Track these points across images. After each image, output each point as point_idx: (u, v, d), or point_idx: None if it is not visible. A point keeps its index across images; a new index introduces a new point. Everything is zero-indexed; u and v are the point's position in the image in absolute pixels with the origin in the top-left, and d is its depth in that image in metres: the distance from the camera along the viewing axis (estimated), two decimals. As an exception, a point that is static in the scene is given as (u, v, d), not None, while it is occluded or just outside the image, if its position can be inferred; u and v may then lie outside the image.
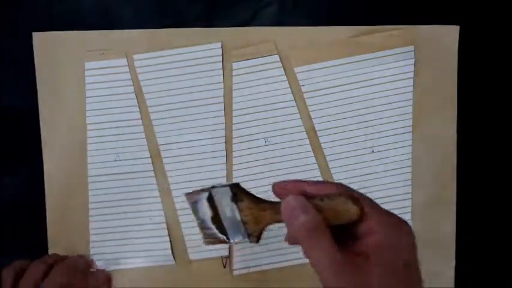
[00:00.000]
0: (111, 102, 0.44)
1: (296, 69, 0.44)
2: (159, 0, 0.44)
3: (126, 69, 0.43)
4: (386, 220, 0.27)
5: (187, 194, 0.33)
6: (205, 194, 0.32)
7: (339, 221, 0.27)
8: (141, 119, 0.44)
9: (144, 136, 0.44)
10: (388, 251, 0.27)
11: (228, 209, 0.31)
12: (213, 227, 0.32)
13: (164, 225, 0.45)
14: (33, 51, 0.43)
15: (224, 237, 0.32)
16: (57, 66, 0.43)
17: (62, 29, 0.43)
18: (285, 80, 0.44)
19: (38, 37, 0.43)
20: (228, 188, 0.31)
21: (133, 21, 0.44)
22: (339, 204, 0.27)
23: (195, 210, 0.33)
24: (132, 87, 0.44)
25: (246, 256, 0.45)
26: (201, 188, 0.32)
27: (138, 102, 0.44)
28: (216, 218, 0.32)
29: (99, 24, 0.43)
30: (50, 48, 0.43)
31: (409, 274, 0.28)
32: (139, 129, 0.44)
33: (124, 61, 0.43)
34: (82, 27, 0.43)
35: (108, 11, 0.44)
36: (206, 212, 0.32)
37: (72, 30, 0.43)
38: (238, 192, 0.31)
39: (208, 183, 0.44)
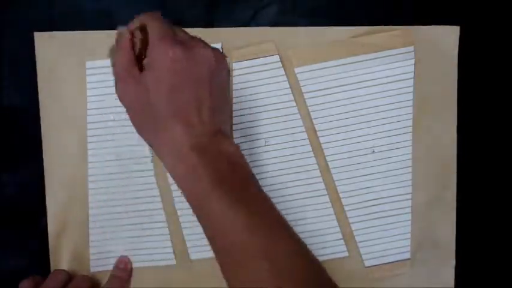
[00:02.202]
0: (112, 101, 0.44)
1: (296, 69, 0.44)
2: (159, 0, 0.44)
3: None
4: (160, 45, 0.30)
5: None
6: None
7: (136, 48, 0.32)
8: None
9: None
10: (157, 69, 0.30)
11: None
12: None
13: (165, 225, 0.45)
14: (33, 51, 0.43)
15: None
16: (57, 66, 0.43)
17: (62, 29, 0.43)
18: (285, 80, 0.44)
19: (38, 37, 0.43)
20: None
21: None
22: (137, 34, 0.33)
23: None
24: None
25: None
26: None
27: None
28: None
29: (100, 24, 0.43)
30: (50, 48, 0.43)
31: (185, 90, 0.30)
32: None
33: None
34: (82, 27, 0.43)
35: (109, 11, 0.44)
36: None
37: (73, 30, 0.43)
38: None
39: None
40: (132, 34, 0.33)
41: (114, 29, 0.43)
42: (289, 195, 0.44)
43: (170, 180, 0.44)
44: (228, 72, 0.34)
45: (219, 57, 0.32)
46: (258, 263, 0.28)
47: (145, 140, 0.32)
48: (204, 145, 0.30)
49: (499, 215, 0.46)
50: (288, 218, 0.44)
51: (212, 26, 0.44)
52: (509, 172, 0.46)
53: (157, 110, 0.30)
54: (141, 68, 0.31)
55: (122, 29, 0.34)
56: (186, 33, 0.33)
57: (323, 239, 0.44)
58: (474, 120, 0.45)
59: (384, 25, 0.44)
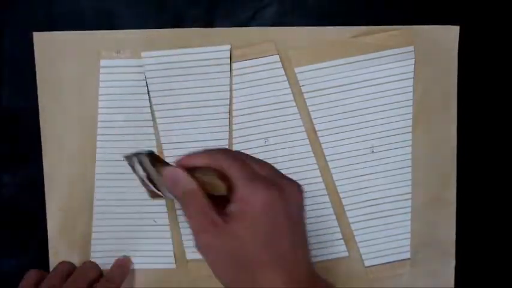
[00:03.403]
0: (123, 102, 0.44)
1: (296, 69, 0.44)
2: (159, 0, 0.44)
3: (141, 69, 0.43)
4: (250, 188, 0.28)
5: (125, 157, 0.35)
6: (135, 159, 0.34)
7: (214, 192, 0.30)
8: (152, 120, 0.44)
9: (154, 138, 0.44)
10: (250, 215, 0.28)
11: (152, 171, 0.33)
12: (150, 184, 0.34)
13: (168, 228, 0.44)
14: (33, 51, 0.43)
15: (160, 192, 0.34)
16: (57, 66, 0.43)
17: (62, 29, 0.43)
18: (285, 80, 0.44)
19: (38, 37, 0.43)
20: (144, 154, 0.33)
21: (133, 21, 0.44)
22: (209, 178, 0.30)
23: (134, 171, 0.35)
24: (145, 87, 0.44)
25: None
26: (131, 153, 0.34)
27: (150, 103, 0.44)
28: (150, 177, 0.34)
29: (99, 24, 0.43)
30: (50, 48, 0.43)
31: (283, 234, 0.28)
32: (150, 131, 0.44)
33: (139, 61, 0.43)
34: (82, 27, 0.43)
35: (108, 11, 0.44)
36: (141, 172, 0.34)
37: (73, 30, 0.43)
38: (153, 158, 0.33)
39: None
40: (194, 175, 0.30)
41: (114, 29, 0.43)
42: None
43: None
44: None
45: (302, 191, 0.30)
46: None
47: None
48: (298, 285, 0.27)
49: (499, 215, 0.46)
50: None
51: (212, 26, 0.44)
52: (509, 172, 0.46)
53: (251, 261, 0.27)
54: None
55: (178, 171, 0.30)
56: (264, 164, 0.31)
57: (323, 239, 0.44)
58: (474, 120, 0.45)
59: (384, 25, 0.44)
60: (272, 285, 0.27)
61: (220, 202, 0.30)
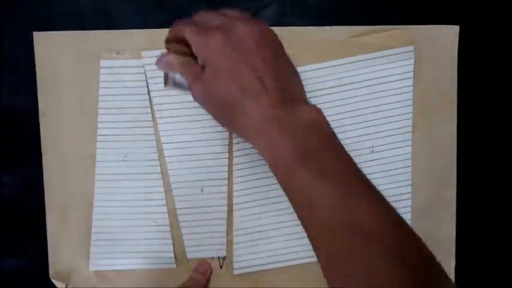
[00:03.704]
0: (123, 102, 0.44)
1: (296, 69, 0.44)
2: (159, 0, 0.44)
3: (141, 69, 0.43)
4: (201, 41, 0.31)
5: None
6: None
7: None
8: (152, 120, 0.44)
9: (154, 138, 0.44)
10: (211, 62, 0.31)
11: None
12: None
13: (168, 228, 0.45)
14: (33, 51, 0.43)
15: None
16: (57, 66, 0.43)
17: (62, 29, 0.43)
18: (285, 80, 0.44)
19: (38, 37, 0.43)
20: None
21: (133, 21, 0.44)
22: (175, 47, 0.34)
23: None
24: (146, 88, 0.44)
25: (246, 256, 0.45)
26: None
27: (150, 103, 0.44)
28: None
29: (99, 24, 0.43)
30: (50, 48, 0.43)
31: (242, 67, 0.31)
32: (150, 131, 0.44)
33: (139, 61, 0.43)
34: (82, 27, 0.43)
35: (108, 11, 0.44)
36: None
37: (72, 30, 0.43)
38: None
39: (208, 183, 0.44)
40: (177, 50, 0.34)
41: (114, 28, 0.43)
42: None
43: (171, 179, 0.44)
44: (279, 41, 0.34)
45: (264, 26, 0.32)
46: (346, 233, 0.27)
47: (225, 127, 0.34)
48: (281, 116, 0.30)
49: (499, 214, 0.46)
50: (288, 218, 0.44)
51: (212, 26, 0.44)
52: (509, 172, 0.46)
53: (227, 97, 0.31)
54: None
55: (160, 57, 0.34)
56: (224, 14, 0.33)
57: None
58: (474, 120, 0.45)
59: (384, 25, 0.44)
60: (248, 115, 0.30)
61: None
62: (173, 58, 0.33)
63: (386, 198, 0.30)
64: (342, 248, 0.27)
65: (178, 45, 0.33)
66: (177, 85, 0.35)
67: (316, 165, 0.29)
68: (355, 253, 0.27)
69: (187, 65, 0.33)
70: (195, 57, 0.33)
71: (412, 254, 0.27)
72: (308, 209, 0.29)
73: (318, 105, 0.31)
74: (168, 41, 0.34)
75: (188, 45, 0.33)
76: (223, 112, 0.32)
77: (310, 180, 0.28)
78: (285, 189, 0.30)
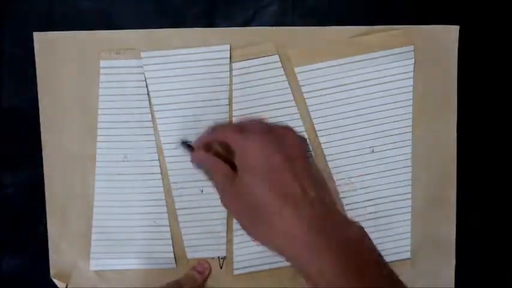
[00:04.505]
0: (123, 102, 0.44)
1: (296, 69, 0.44)
2: (159, 0, 0.44)
3: (141, 70, 0.43)
4: (242, 141, 0.31)
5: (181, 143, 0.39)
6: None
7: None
8: (152, 120, 0.44)
9: (154, 138, 0.44)
10: (249, 163, 0.30)
11: None
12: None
13: (168, 228, 0.45)
14: (33, 51, 0.43)
15: None
16: (57, 66, 0.43)
17: (62, 29, 0.43)
18: (284, 80, 0.44)
19: (38, 37, 0.43)
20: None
21: (133, 21, 0.44)
22: (222, 149, 0.34)
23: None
24: (145, 88, 0.44)
25: (246, 256, 0.45)
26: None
27: (150, 104, 0.44)
28: None
29: (99, 24, 0.43)
30: (50, 48, 0.43)
31: (282, 171, 0.30)
32: (150, 131, 0.44)
33: (139, 62, 0.43)
34: (82, 27, 0.43)
35: (108, 11, 0.44)
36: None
37: (72, 30, 0.43)
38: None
39: (208, 184, 0.44)
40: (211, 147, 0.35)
41: (114, 29, 0.43)
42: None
43: (171, 179, 0.44)
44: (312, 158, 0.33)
45: (303, 139, 0.32)
46: None
47: (257, 239, 0.31)
48: (325, 227, 0.28)
49: (499, 215, 0.46)
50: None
51: (212, 26, 0.44)
52: (509, 172, 0.46)
53: (261, 202, 0.29)
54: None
55: (198, 154, 0.35)
56: (257, 121, 0.33)
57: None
58: (474, 120, 0.45)
59: (384, 25, 0.44)
60: (284, 222, 0.28)
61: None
62: (209, 157, 0.33)
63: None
64: None
65: (218, 146, 0.33)
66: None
67: (356, 280, 0.27)
68: None
69: (222, 165, 0.32)
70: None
71: None
72: None
73: (360, 224, 0.30)
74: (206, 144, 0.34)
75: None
76: (254, 219, 0.30)
77: None
78: None
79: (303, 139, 0.33)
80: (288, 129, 0.32)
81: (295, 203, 0.28)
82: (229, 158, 0.33)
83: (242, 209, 0.30)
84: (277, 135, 0.31)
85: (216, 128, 0.34)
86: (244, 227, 0.31)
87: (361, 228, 0.29)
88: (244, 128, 0.32)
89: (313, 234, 0.28)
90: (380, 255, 0.29)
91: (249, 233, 0.31)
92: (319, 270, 0.27)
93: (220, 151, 0.34)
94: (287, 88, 0.44)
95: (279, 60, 0.44)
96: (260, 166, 0.29)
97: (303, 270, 0.28)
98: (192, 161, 0.36)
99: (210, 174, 0.34)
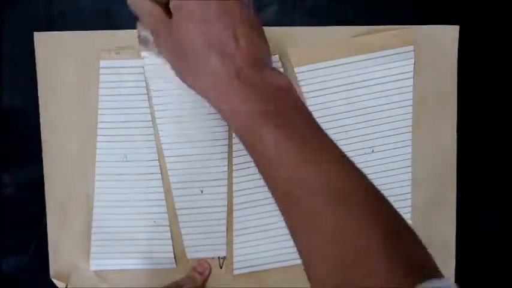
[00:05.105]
0: (123, 102, 0.44)
1: (296, 69, 0.44)
2: (159, 0, 0.44)
3: (141, 70, 0.43)
4: None
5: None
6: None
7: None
8: (152, 120, 0.44)
9: (154, 138, 0.44)
10: (184, 7, 0.29)
11: None
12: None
13: (168, 229, 0.45)
14: (33, 51, 0.43)
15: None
16: (57, 66, 0.43)
17: (62, 29, 0.43)
18: (285, 80, 0.44)
19: (38, 37, 0.43)
20: None
21: (133, 21, 0.44)
22: None
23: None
24: (145, 88, 0.44)
25: (246, 256, 0.45)
26: None
27: (150, 104, 0.44)
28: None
29: (99, 24, 0.43)
30: (50, 48, 0.43)
31: (214, 20, 0.29)
32: (150, 131, 0.44)
33: (139, 62, 0.43)
34: (82, 27, 0.43)
35: (108, 11, 0.44)
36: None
37: (72, 30, 0.43)
38: None
39: (208, 184, 0.44)
40: None
41: (114, 28, 0.43)
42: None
43: (171, 179, 0.44)
44: (253, 6, 0.32)
45: None
46: (316, 197, 0.26)
47: (188, 85, 0.31)
48: (248, 74, 0.28)
49: (499, 215, 0.46)
50: (288, 217, 0.44)
51: (212, 26, 0.44)
52: (509, 172, 0.46)
53: (193, 48, 0.29)
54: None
55: None
56: None
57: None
58: (474, 120, 0.45)
59: (384, 25, 0.44)
60: (213, 69, 0.28)
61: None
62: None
63: (381, 188, 0.29)
64: (309, 208, 0.26)
65: None
66: (144, 42, 0.34)
67: (285, 126, 0.27)
68: (323, 213, 0.26)
69: (156, 7, 0.31)
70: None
71: (382, 213, 0.27)
72: (274, 168, 0.27)
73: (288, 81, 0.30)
74: None
75: None
76: (186, 64, 0.30)
77: (279, 141, 0.27)
78: (250, 153, 0.29)
79: None
80: None
81: (222, 50, 0.29)
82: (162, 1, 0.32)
83: (174, 52, 0.31)
84: None
85: None
86: (174, 69, 0.31)
87: (288, 79, 0.30)
88: None
89: (236, 81, 0.28)
90: (304, 104, 0.30)
91: (180, 76, 0.31)
92: (242, 119, 0.28)
93: None
94: (287, 88, 0.44)
95: (279, 60, 0.44)
96: (196, 12, 0.29)
97: (228, 119, 0.29)
98: (130, 3, 0.33)
99: (144, 17, 0.32)
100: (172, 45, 0.30)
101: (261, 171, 0.29)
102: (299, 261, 0.44)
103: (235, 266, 0.45)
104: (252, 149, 0.29)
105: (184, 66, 0.31)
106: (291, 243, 0.44)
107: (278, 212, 0.46)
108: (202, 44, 0.29)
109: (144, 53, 0.43)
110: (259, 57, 0.30)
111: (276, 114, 0.28)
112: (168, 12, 0.31)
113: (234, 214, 0.44)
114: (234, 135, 0.44)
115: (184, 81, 0.31)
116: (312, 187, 0.26)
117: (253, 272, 0.45)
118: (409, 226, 0.28)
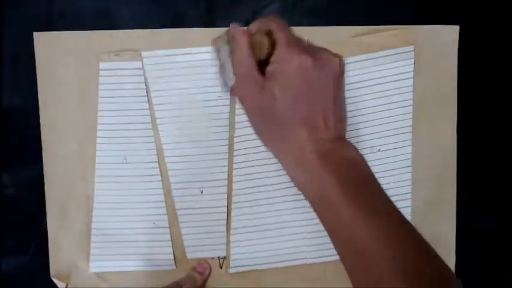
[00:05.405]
0: (122, 104, 0.44)
1: (296, 69, 0.44)
2: (159, 0, 0.44)
3: (141, 71, 0.43)
4: (289, 50, 0.30)
5: (213, 39, 0.34)
6: (225, 39, 0.33)
7: (260, 55, 0.31)
8: (151, 122, 0.44)
9: (153, 140, 0.44)
10: (284, 76, 0.30)
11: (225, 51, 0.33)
12: (227, 69, 0.34)
13: (167, 230, 0.45)
14: (33, 51, 0.43)
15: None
16: (57, 66, 0.43)
17: (62, 29, 0.43)
18: (285, 80, 0.44)
19: (38, 37, 0.43)
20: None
21: (133, 21, 0.44)
22: (259, 36, 0.32)
23: (219, 53, 0.34)
24: (145, 90, 0.44)
25: (243, 255, 0.45)
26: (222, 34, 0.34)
27: (150, 105, 0.44)
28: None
29: (99, 24, 0.43)
30: (50, 48, 0.43)
31: (313, 98, 0.30)
32: (149, 133, 0.44)
33: (139, 63, 0.43)
34: (82, 27, 0.43)
35: (108, 11, 0.44)
36: (225, 54, 0.33)
37: (72, 30, 0.43)
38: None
39: (208, 184, 0.44)
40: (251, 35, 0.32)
41: (114, 29, 0.43)
42: (290, 195, 0.44)
43: (171, 179, 0.44)
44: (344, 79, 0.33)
45: (342, 65, 0.32)
46: (387, 267, 0.28)
47: (265, 144, 0.32)
48: (329, 151, 0.30)
49: (499, 215, 0.46)
50: (289, 218, 0.44)
51: (212, 26, 0.44)
52: (509, 171, 0.46)
53: (283, 118, 0.30)
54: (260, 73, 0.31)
55: (238, 27, 0.32)
56: (310, 43, 0.33)
57: (324, 241, 0.44)
58: (474, 120, 0.45)
59: (384, 25, 0.44)
60: (297, 142, 0.30)
61: (264, 67, 0.32)
62: (247, 37, 0.31)
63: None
64: (380, 280, 0.28)
65: (263, 36, 0.31)
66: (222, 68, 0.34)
67: (361, 202, 0.29)
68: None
69: (250, 57, 0.31)
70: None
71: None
72: (350, 244, 0.29)
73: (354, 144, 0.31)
74: (257, 26, 0.32)
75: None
76: (267, 129, 0.31)
77: (355, 217, 0.28)
78: (324, 220, 0.30)
79: (343, 65, 0.32)
80: (333, 57, 0.32)
81: (313, 132, 0.30)
82: (260, 57, 0.32)
83: (258, 112, 0.31)
84: (321, 59, 0.31)
85: (266, 18, 0.33)
86: (254, 126, 0.32)
87: (356, 147, 0.31)
88: (296, 38, 0.32)
89: (315, 154, 0.29)
90: (372, 173, 0.31)
91: (258, 135, 0.32)
92: (319, 192, 0.29)
93: (256, 43, 0.31)
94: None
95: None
96: (294, 85, 0.30)
97: (303, 189, 0.30)
98: (228, 32, 0.33)
99: (236, 54, 0.32)
100: (259, 105, 0.31)
101: (336, 238, 0.30)
102: (297, 262, 0.45)
103: (231, 264, 0.45)
104: (326, 218, 0.30)
105: (265, 127, 0.32)
106: (290, 243, 0.45)
107: (277, 212, 0.46)
108: (294, 117, 0.30)
109: (144, 53, 0.43)
110: (341, 136, 0.31)
111: (353, 186, 0.29)
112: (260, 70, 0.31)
113: (233, 213, 0.44)
114: (234, 135, 0.44)
115: (259, 136, 0.32)
116: (383, 261, 0.28)
117: (250, 272, 0.45)
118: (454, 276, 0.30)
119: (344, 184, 0.29)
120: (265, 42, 0.31)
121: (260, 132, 0.32)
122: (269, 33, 0.32)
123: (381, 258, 0.28)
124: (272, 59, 0.31)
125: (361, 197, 0.29)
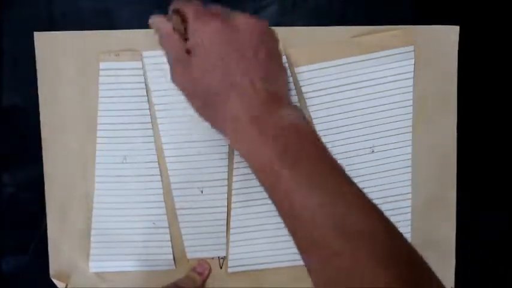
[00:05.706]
0: (122, 104, 0.44)
1: (296, 69, 0.44)
2: (159, 0, 0.44)
3: (141, 71, 0.43)
4: (199, 21, 0.30)
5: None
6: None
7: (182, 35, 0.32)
8: (151, 122, 0.44)
9: (153, 140, 0.44)
10: (202, 47, 0.30)
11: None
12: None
13: (167, 230, 0.44)
14: (33, 51, 0.43)
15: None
16: (57, 66, 0.43)
17: (62, 29, 0.43)
18: (285, 80, 0.44)
19: (38, 37, 0.43)
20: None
21: (133, 21, 0.44)
22: (174, 22, 0.32)
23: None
24: (145, 90, 0.44)
25: (241, 255, 0.45)
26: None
27: (150, 105, 0.44)
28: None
29: (100, 24, 0.43)
30: (50, 48, 0.43)
31: (235, 62, 0.30)
32: (149, 133, 0.44)
33: (139, 63, 0.43)
34: (82, 27, 0.43)
35: (109, 11, 0.44)
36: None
37: (73, 30, 0.43)
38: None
39: (208, 184, 0.44)
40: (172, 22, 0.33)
41: (114, 28, 0.43)
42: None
43: (171, 179, 0.44)
44: (277, 41, 0.33)
45: (263, 25, 0.32)
46: (335, 239, 0.27)
47: (211, 125, 0.32)
48: (263, 117, 0.29)
49: (498, 214, 0.46)
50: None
51: (212, 26, 0.44)
52: (509, 171, 0.46)
53: (211, 88, 0.30)
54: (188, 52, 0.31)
55: (157, 17, 0.33)
56: (226, 9, 0.32)
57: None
58: (474, 120, 0.45)
59: (384, 25, 0.44)
60: (230, 110, 0.29)
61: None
62: (166, 24, 0.32)
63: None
64: (327, 249, 0.27)
65: (177, 17, 0.32)
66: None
67: (301, 170, 0.28)
68: (342, 257, 0.27)
69: (175, 40, 0.31)
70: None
71: (401, 255, 0.28)
72: (293, 216, 0.28)
73: (298, 105, 0.31)
74: (172, 11, 0.33)
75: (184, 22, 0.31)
76: (204, 103, 0.31)
77: (296, 186, 0.28)
78: (269, 193, 0.30)
79: (260, 23, 0.32)
80: (247, 17, 0.31)
81: (240, 93, 0.29)
82: (184, 35, 0.32)
83: (193, 92, 0.31)
84: (234, 21, 0.30)
85: (179, 1, 0.33)
86: (194, 108, 0.32)
87: (298, 110, 0.30)
88: (205, 9, 0.31)
89: (249, 124, 0.29)
90: (316, 136, 0.30)
91: (200, 114, 0.32)
92: (258, 161, 0.29)
93: (179, 27, 0.32)
94: (287, 88, 0.44)
95: (286, 61, 0.43)
96: (213, 53, 0.29)
97: (245, 159, 0.30)
98: (151, 23, 0.34)
99: (163, 44, 0.33)
100: (191, 85, 0.31)
101: (279, 209, 0.29)
102: (296, 263, 0.45)
103: (229, 264, 0.45)
104: (270, 188, 0.29)
105: (201, 105, 0.31)
106: (289, 244, 0.44)
107: (276, 212, 0.46)
108: (221, 84, 0.29)
109: (144, 53, 0.43)
110: (273, 97, 0.30)
111: (292, 153, 0.28)
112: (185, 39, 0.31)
113: (232, 212, 0.44)
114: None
115: (200, 115, 0.32)
116: (327, 229, 0.27)
117: (248, 272, 0.45)
118: (424, 260, 0.30)
119: (282, 152, 0.28)
120: (179, 22, 0.32)
121: (202, 113, 0.32)
122: (183, 16, 0.32)
123: (320, 220, 0.27)
124: (188, 35, 0.31)
125: (301, 164, 0.28)
